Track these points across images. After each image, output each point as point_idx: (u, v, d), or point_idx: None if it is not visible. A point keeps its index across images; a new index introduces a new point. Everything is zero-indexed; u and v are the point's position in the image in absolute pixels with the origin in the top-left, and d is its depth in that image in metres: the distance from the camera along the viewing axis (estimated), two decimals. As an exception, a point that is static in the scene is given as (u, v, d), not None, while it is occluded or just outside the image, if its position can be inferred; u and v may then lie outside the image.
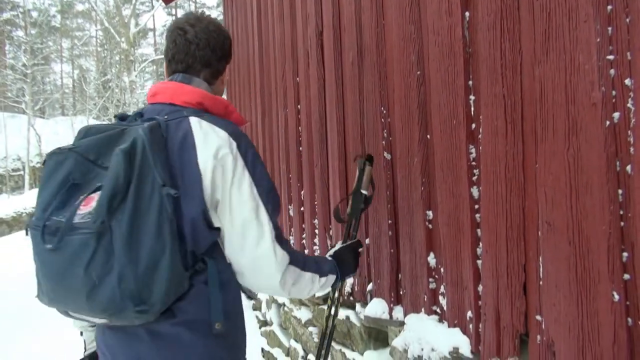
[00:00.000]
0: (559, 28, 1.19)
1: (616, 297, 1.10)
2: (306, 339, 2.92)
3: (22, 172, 19.65)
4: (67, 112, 29.59)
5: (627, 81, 1.08)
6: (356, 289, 2.33)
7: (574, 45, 1.16)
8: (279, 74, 3.36)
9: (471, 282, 1.56)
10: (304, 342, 2.98)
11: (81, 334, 1.54)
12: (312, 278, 1.40)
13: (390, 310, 2.03)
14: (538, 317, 1.33)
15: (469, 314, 1.58)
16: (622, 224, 1.11)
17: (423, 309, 1.83)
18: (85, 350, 1.53)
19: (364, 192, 1.80)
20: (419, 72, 1.80)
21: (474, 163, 1.55)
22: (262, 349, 3.79)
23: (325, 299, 2.64)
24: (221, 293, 1.25)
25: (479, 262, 1.54)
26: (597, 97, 1.11)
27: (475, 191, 1.55)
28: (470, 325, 1.58)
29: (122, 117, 1.34)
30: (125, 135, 1.20)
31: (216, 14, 36.99)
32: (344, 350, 2.40)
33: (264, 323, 3.98)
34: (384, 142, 2.04)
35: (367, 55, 2.14)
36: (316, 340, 2.76)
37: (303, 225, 3.06)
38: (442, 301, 1.74)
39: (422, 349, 1.70)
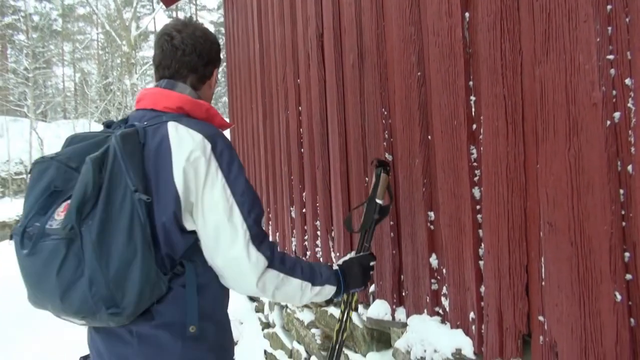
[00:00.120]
0: (559, 28, 1.19)
1: (618, 297, 1.10)
2: (309, 340, 2.92)
3: (24, 176, 19.70)
4: (69, 116, 29.64)
5: (628, 81, 1.08)
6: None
7: (574, 45, 1.16)
8: (280, 76, 3.36)
9: (473, 283, 1.56)
10: (306, 344, 2.98)
11: None
12: (301, 285, 1.37)
13: (393, 311, 2.02)
14: (540, 318, 1.33)
15: (472, 315, 1.58)
16: (623, 224, 1.11)
17: (425, 310, 1.83)
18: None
19: (378, 201, 1.71)
20: (419, 73, 1.80)
21: (475, 164, 1.55)
22: (265, 351, 3.79)
23: (327, 300, 2.64)
24: (198, 296, 1.27)
25: (481, 263, 1.54)
26: (597, 97, 1.11)
27: (476, 192, 1.55)
28: (473, 327, 1.57)
29: (108, 125, 1.38)
30: (106, 142, 1.25)
31: (217, 16, 37.07)
32: (347, 352, 2.40)
33: (266, 325, 3.98)
34: (385, 143, 2.04)
35: (367, 56, 2.15)
36: (319, 342, 2.76)
37: (305, 227, 3.06)
38: (445, 302, 1.74)
39: (425, 351, 1.70)
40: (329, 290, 1.46)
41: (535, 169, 1.31)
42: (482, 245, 1.53)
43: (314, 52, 2.70)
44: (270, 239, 1.37)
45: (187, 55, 1.41)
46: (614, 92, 1.10)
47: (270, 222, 3.84)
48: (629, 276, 1.10)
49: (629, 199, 1.09)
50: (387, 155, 2.03)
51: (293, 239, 3.28)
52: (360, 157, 2.25)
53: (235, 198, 1.27)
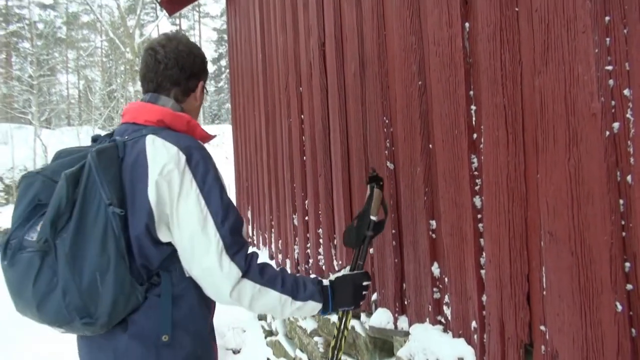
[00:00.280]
0: (558, 39, 1.20)
1: (619, 307, 1.10)
2: (312, 349, 2.91)
3: (28, 183, 19.66)
4: (73, 123, 29.80)
5: (626, 91, 1.08)
6: (361, 298, 2.33)
7: (573, 56, 1.17)
8: (282, 84, 3.38)
9: (475, 292, 1.56)
10: (309, 352, 2.98)
11: None
12: (280, 298, 1.33)
13: (395, 320, 2.02)
14: (542, 328, 1.33)
15: (474, 324, 1.58)
16: (623, 234, 1.11)
17: (428, 319, 1.83)
18: None
19: (372, 217, 1.62)
20: (420, 82, 1.81)
21: (476, 173, 1.56)
22: (268, 359, 3.79)
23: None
24: (174, 306, 1.30)
25: (483, 272, 1.54)
26: (596, 108, 1.12)
27: (477, 201, 1.55)
28: (475, 336, 1.57)
29: (95, 139, 1.43)
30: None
31: (220, 23, 37.26)
32: (350, 360, 2.40)
33: (269, 333, 3.98)
34: (386, 152, 2.05)
35: (369, 65, 2.16)
36: (322, 350, 2.75)
37: (307, 235, 3.06)
38: (447, 311, 1.74)
39: (427, 359, 1.69)
40: (313, 306, 1.41)
41: (536, 178, 1.32)
42: (484, 254, 1.53)
43: (316, 60, 2.72)
44: (251, 249, 1.35)
45: (169, 69, 1.44)
46: (613, 103, 1.11)
47: (272, 230, 3.85)
48: (629, 286, 1.10)
49: (629, 209, 1.10)
50: (388, 163, 2.03)
51: (296, 246, 3.29)
52: (362, 166, 2.26)
53: (209, 208, 1.27)
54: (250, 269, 1.30)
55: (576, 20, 1.15)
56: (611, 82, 1.11)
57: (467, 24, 1.55)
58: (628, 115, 1.08)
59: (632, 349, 1.10)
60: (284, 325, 3.59)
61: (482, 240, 1.54)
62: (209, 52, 37.47)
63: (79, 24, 32.40)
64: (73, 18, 32.24)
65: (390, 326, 2.04)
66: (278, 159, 3.63)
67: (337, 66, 2.47)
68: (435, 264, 1.80)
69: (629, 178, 1.09)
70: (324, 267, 2.80)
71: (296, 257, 3.28)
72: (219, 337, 4.09)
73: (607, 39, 1.11)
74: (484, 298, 1.54)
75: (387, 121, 2.05)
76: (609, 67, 1.11)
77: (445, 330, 1.76)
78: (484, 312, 1.54)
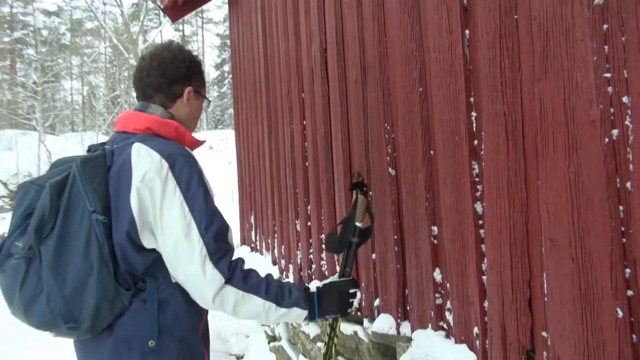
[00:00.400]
0: (557, 47, 1.21)
1: (620, 313, 1.10)
2: (315, 354, 2.92)
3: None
4: (77, 128, 29.94)
5: (625, 99, 1.09)
6: (363, 304, 2.33)
7: (572, 63, 1.18)
8: (285, 90, 3.40)
9: (477, 298, 1.57)
10: (312, 358, 2.98)
11: None
12: (264, 305, 1.33)
13: (398, 325, 2.03)
14: (544, 333, 1.33)
15: (476, 329, 1.58)
16: (624, 240, 1.11)
17: (430, 325, 1.83)
18: None
19: (358, 224, 1.61)
20: (421, 89, 1.82)
21: (477, 179, 1.57)
22: (271, 364, 3.78)
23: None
24: (159, 311, 1.31)
25: (484, 277, 1.55)
26: (595, 115, 1.13)
27: (479, 207, 1.56)
28: (477, 342, 1.58)
29: (89, 149, 1.46)
30: None
31: (223, 28, 37.41)
32: (353, 365, 2.40)
33: (272, 338, 3.98)
34: (388, 158, 2.06)
35: (370, 72, 2.17)
36: (325, 355, 2.75)
37: (310, 240, 3.07)
38: (449, 317, 1.74)
39: (430, 365, 1.70)
40: (298, 313, 1.40)
41: (536, 185, 1.32)
42: (485, 260, 1.54)
43: (318, 67, 2.73)
44: (237, 255, 1.36)
45: (150, 76, 1.47)
46: (612, 110, 1.11)
47: (275, 235, 3.86)
48: (630, 292, 1.11)
49: (629, 216, 1.10)
50: (390, 169, 2.04)
51: (298, 252, 3.29)
52: (364, 172, 2.26)
53: (193, 215, 1.28)
54: (234, 276, 1.30)
55: (575, 29, 1.16)
56: (610, 89, 1.11)
57: (467, 31, 1.57)
58: (627, 122, 1.09)
59: (633, 355, 1.10)
60: (287, 331, 3.59)
61: (483, 246, 1.55)
62: (212, 57, 37.62)
63: (83, 30, 32.59)
64: (77, 25, 32.44)
65: (393, 332, 2.04)
66: (280, 164, 3.64)
67: (339, 72, 2.48)
68: (437, 270, 1.80)
69: (628, 184, 1.10)
70: (326, 273, 2.80)
71: (299, 262, 3.29)
72: (222, 342, 4.09)
73: (606, 47, 1.12)
74: (486, 304, 1.54)
75: (388, 127, 2.06)
76: (608, 75, 1.11)
77: (447, 336, 1.76)
78: (486, 318, 1.54)
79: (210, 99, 1.61)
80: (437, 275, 1.80)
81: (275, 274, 3.67)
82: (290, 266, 3.47)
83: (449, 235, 1.69)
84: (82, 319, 1.23)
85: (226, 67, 35.46)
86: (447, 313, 1.76)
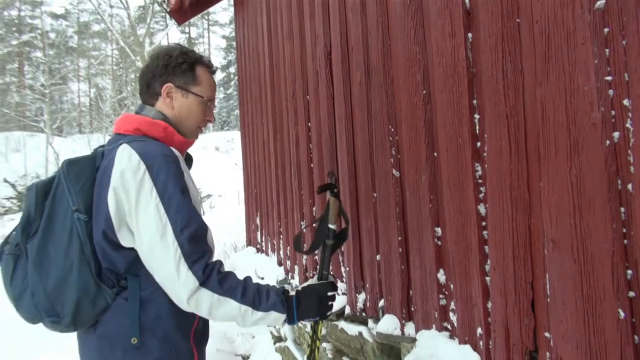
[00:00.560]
0: (558, 50, 1.22)
1: (622, 314, 1.11)
2: (320, 355, 2.93)
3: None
4: (84, 130, 30.13)
5: (626, 101, 1.10)
6: (368, 304, 2.35)
7: (573, 66, 1.19)
8: (290, 93, 3.42)
9: (480, 299, 1.58)
10: (318, 358, 2.99)
11: None
12: (239, 308, 1.32)
13: (402, 326, 2.04)
14: (547, 334, 1.34)
15: (479, 330, 1.59)
16: (625, 241, 1.12)
17: (434, 326, 1.84)
18: None
19: (331, 226, 1.58)
20: (424, 92, 1.83)
21: (480, 181, 1.58)
22: (277, 365, 3.80)
23: (338, 315, 2.66)
24: (141, 309, 1.34)
25: (488, 279, 1.56)
26: (596, 118, 1.14)
27: (482, 208, 1.57)
28: (481, 342, 1.59)
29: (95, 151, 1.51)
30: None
31: (229, 30, 37.52)
32: (358, 366, 2.41)
33: (278, 339, 4.00)
34: (392, 160, 2.07)
35: (374, 74, 2.19)
36: (330, 356, 2.77)
37: (315, 242, 3.08)
38: (453, 317, 1.75)
39: (434, 366, 1.71)
40: (276, 316, 1.39)
41: (539, 187, 1.34)
42: (488, 261, 1.55)
43: (323, 69, 2.75)
44: (214, 257, 1.37)
45: (142, 77, 1.52)
46: (613, 113, 1.12)
47: (281, 236, 3.88)
48: (631, 294, 1.12)
49: (630, 217, 1.11)
50: (394, 171, 2.05)
51: (304, 253, 3.31)
52: (368, 173, 2.28)
53: (168, 216, 1.27)
54: (209, 279, 1.29)
55: (576, 32, 1.17)
56: (611, 92, 1.12)
57: (469, 35, 1.58)
58: (628, 125, 1.10)
59: (635, 356, 1.11)
60: (292, 331, 3.61)
61: (486, 247, 1.56)
62: (218, 59, 37.74)
63: (90, 33, 32.81)
64: (84, 27, 32.66)
65: (398, 332, 2.05)
66: (286, 166, 3.66)
67: (343, 75, 2.50)
68: (441, 271, 1.81)
69: (629, 186, 1.11)
70: (331, 274, 2.82)
71: (304, 263, 3.30)
72: (228, 342, 4.11)
73: (607, 50, 1.13)
74: (489, 305, 1.55)
75: (392, 129, 2.07)
76: (609, 78, 1.12)
77: (451, 337, 1.77)
78: (489, 319, 1.55)
79: (202, 95, 1.52)
80: (441, 276, 1.81)
81: (281, 275, 3.69)
82: (296, 267, 3.49)
83: (453, 237, 1.70)
84: (64, 314, 1.28)
85: (232, 69, 35.56)
86: (451, 314, 1.77)
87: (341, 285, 2.67)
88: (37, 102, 23.90)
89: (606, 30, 1.13)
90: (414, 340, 1.95)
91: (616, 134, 1.12)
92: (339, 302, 2.63)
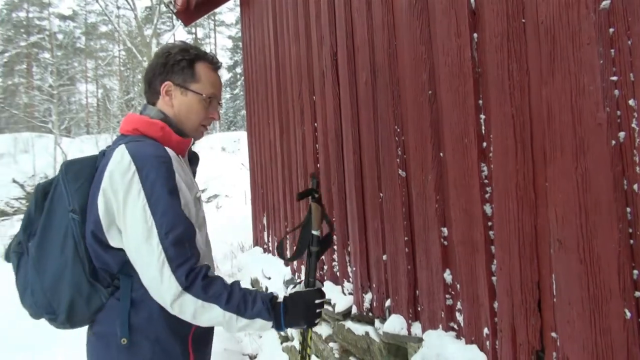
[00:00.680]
0: (564, 50, 1.22)
1: (628, 314, 1.11)
2: (327, 354, 2.94)
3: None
4: (92, 131, 30.31)
5: (631, 102, 1.10)
6: (375, 304, 2.35)
7: (579, 67, 1.19)
8: (296, 93, 3.43)
9: (487, 299, 1.58)
10: (324, 358, 3.00)
11: None
12: (224, 315, 1.29)
13: (409, 326, 2.04)
14: (553, 334, 1.34)
15: (486, 330, 1.60)
16: (631, 242, 1.12)
17: (441, 325, 1.84)
18: None
19: (315, 232, 1.53)
20: (430, 92, 1.83)
21: (486, 181, 1.58)
22: (284, 364, 3.81)
23: (344, 314, 2.67)
24: (132, 310, 1.34)
25: (494, 279, 1.56)
26: (602, 118, 1.14)
27: (488, 209, 1.57)
28: (487, 342, 1.59)
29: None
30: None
31: (235, 31, 37.59)
32: (364, 366, 2.42)
33: (285, 339, 4.01)
34: (398, 160, 2.07)
35: (380, 74, 2.19)
36: (337, 356, 2.78)
37: (322, 241, 3.09)
38: (459, 317, 1.75)
39: (440, 366, 1.71)
40: (262, 324, 1.34)
41: (545, 187, 1.34)
42: (495, 261, 1.55)
43: (329, 70, 2.76)
44: (201, 262, 1.32)
45: (144, 77, 1.52)
46: (619, 113, 1.12)
47: (287, 236, 3.89)
48: (638, 294, 1.12)
49: (636, 218, 1.11)
50: (400, 171, 2.06)
51: (310, 253, 3.32)
52: (374, 173, 2.29)
53: (154, 219, 1.25)
54: (193, 284, 1.26)
55: (581, 32, 1.17)
56: (616, 92, 1.12)
57: (475, 35, 1.58)
58: (633, 125, 1.10)
59: (642, 356, 1.11)
60: (299, 332, 3.61)
61: (492, 247, 1.56)
62: (224, 59, 37.83)
63: (97, 34, 33.00)
64: (92, 28, 32.86)
65: (404, 332, 2.06)
66: (292, 166, 3.67)
67: (349, 75, 2.50)
68: (448, 271, 1.81)
69: (635, 187, 1.11)
70: (338, 274, 2.83)
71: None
72: (235, 342, 4.13)
73: (612, 50, 1.13)
74: (496, 305, 1.55)
75: (398, 129, 2.07)
76: (614, 78, 1.12)
77: (458, 337, 1.77)
78: (496, 319, 1.56)
79: (201, 93, 1.48)
80: (448, 276, 1.81)
81: (288, 275, 3.70)
82: (302, 267, 3.50)
83: (459, 237, 1.70)
84: (59, 312, 1.32)
85: (238, 69, 35.64)
86: (457, 314, 1.77)
87: (348, 285, 2.68)
88: (46, 103, 24.07)
89: (611, 30, 1.13)
90: (420, 340, 1.95)
91: (622, 134, 1.12)
92: (345, 301, 2.64)
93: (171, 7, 5.62)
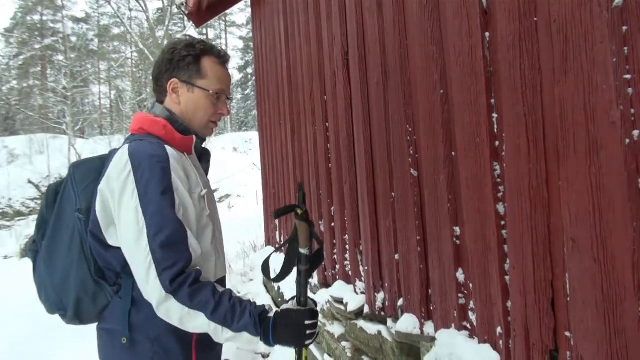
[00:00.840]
0: (576, 49, 1.22)
1: (643, 314, 1.11)
2: (339, 353, 2.95)
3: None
4: (105, 132, 30.62)
5: (646, 100, 1.09)
6: (387, 304, 2.36)
7: (592, 65, 1.18)
8: (307, 93, 3.44)
9: (500, 298, 1.58)
10: (337, 357, 3.01)
11: None
12: (209, 325, 1.23)
13: (422, 325, 2.05)
14: (567, 334, 1.34)
15: (499, 329, 1.59)
16: (646, 241, 1.11)
17: (453, 325, 1.84)
18: None
19: (303, 251, 1.42)
20: (442, 91, 1.83)
21: (498, 180, 1.58)
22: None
23: (357, 313, 2.67)
24: (133, 309, 1.34)
25: (507, 278, 1.56)
26: (615, 116, 1.13)
27: (500, 208, 1.57)
28: (500, 342, 1.59)
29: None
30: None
31: (246, 31, 37.69)
32: (377, 365, 2.42)
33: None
34: (410, 160, 2.08)
35: (391, 74, 2.19)
36: (349, 355, 2.78)
37: (334, 241, 3.10)
38: (472, 317, 1.75)
39: (453, 365, 1.71)
40: (249, 338, 1.26)
41: (558, 186, 1.33)
42: (508, 260, 1.55)
43: (340, 70, 2.76)
44: (191, 265, 1.26)
45: (152, 75, 1.52)
46: (632, 111, 1.12)
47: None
48: (653, 293, 1.11)
49: (651, 217, 1.10)
50: (412, 171, 2.06)
51: (324, 252, 3.33)
52: (386, 173, 2.29)
53: (145, 220, 1.23)
54: (179, 291, 1.21)
55: (594, 30, 1.17)
56: (630, 90, 1.12)
57: (487, 34, 1.58)
58: (648, 124, 1.09)
59: (657, 355, 1.10)
60: (312, 331, 3.63)
61: (505, 246, 1.56)
62: (235, 60, 37.97)
63: (110, 36, 33.32)
64: (104, 31, 33.18)
65: (417, 331, 2.06)
66: (304, 166, 3.69)
67: (361, 75, 2.51)
68: (460, 270, 1.81)
69: (649, 185, 1.10)
70: (350, 273, 2.84)
71: (323, 263, 3.33)
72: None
73: (625, 49, 1.12)
74: (509, 304, 1.55)
75: (410, 129, 2.08)
76: (628, 76, 1.12)
77: (471, 336, 1.77)
78: (509, 318, 1.55)
79: (208, 89, 1.45)
80: (460, 275, 1.81)
81: (300, 275, 3.71)
82: (315, 267, 3.51)
83: (471, 236, 1.70)
84: (68, 309, 1.36)
85: (249, 70, 35.76)
86: (470, 313, 1.77)
87: (360, 285, 2.69)
88: (60, 104, 24.38)
89: (624, 28, 1.12)
90: (433, 339, 1.95)
91: (636, 132, 1.11)
92: (358, 301, 2.64)
93: (183, 8, 5.67)
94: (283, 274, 1.44)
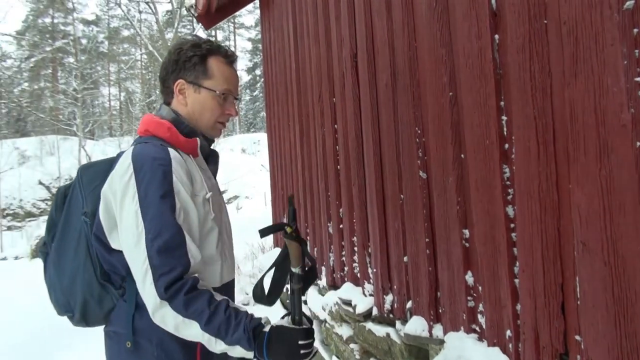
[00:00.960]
0: (587, 51, 1.21)
1: (654, 318, 1.10)
2: (348, 355, 2.95)
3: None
4: (115, 133, 30.85)
5: (657, 103, 1.09)
6: (396, 306, 2.36)
7: (602, 68, 1.18)
8: (316, 95, 3.45)
9: (509, 301, 1.57)
10: (345, 359, 3.01)
11: None
12: (203, 335, 1.20)
13: (430, 328, 2.04)
14: (577, 337, 1.33)
15: (508, 333, 1.59)
16: (657, 244, 1.11)
17: (462, 328, 1.84)
18: None
19: (295, 270, 1.37)
20: (451, 93, 1.83)
21: (508, 182, 1.57)
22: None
23: (365, 315, 2.67)
24: (137, 312, 1.32)
25: (517, 281, 1.55)
26: (626, 119, 1.12)
27: (510, 210, 1.57)
28: (510, 345, 1.58)
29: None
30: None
31: (254, 33, 37.81)
32: (385, 367, 2.42)
33: (306, 339, 4.03)
34: (419, 162, 2.08)
35: (400, 77, 2.19)
36: (357, 357, 2.78)
37: (342, 243, 3.10)
38: (481, 320, 1.75)
39: (462, 368, 1.71)
40: (242, 352, 1.23)
41: (568, 188, 1.33)
42: (517, 263, 1.54)
43: (349, 72, 2.77)
44: (190, 272, 1.23)
45: (159, 76, 1.51)
46: (644, 114, 1.11)
47: (308, 237, 3.91)
48: (664, 297, 1.10)
49: (662, 220, 1.09)
50: (421, 173, 2.06)
51: (331, 254, 3.33)
52: (395, 175, 2.29)
53: (144, 224, 1.21)
54: (175, 299, 1.19)
55: (604, 33, 1.16)
56: (641, 93, 1.11)
57: (496, 36, 1.57)
58: (659, 126, 1.08)
59: (668, 359, 1.09)
60: (320, 332, 3.63)
61: (515, 249, 1.55)
62: (244, 61, 38.10)
63: (119, 38, 33.59)
64: (114, 33, 33.46)
65: (426, 334, 2.05)
66: (312, 168, 3.69)
67: (369, 77, 2.51)
68: (469, 273, 1.81)
69: (661, 188, 1.09)
70: (358, 275, 2.84)
71: (331, 264, 3.33)
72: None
73: (636, 51, 1.11)
74: (518, 307, 1.55)
75: (419, 131, 2.08)
76: (638, 79, 1.11)
77: (480, 339, 1.77)
78: (519, 321, 1.55)
79: (214, 89, 1.43)
80: (469, 278, 1.80)
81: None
82: (323, 268, 3.51)
83: (481, 239, 1.70)
84: (75, 311, 1.37)
85: (258, 71, 35.86)
86: (479, 316, 1.76)
87: (368, 287, 2.69)
88: (70, 106, 24.59)
89: (635, 30, 1.11)
90: (442, 342, 1.95)
91: (647, 135, 1.11)
92: (366, 303, 2.65)
93: (192, 11, 5.70)
94: (272, 298, 1.39)
